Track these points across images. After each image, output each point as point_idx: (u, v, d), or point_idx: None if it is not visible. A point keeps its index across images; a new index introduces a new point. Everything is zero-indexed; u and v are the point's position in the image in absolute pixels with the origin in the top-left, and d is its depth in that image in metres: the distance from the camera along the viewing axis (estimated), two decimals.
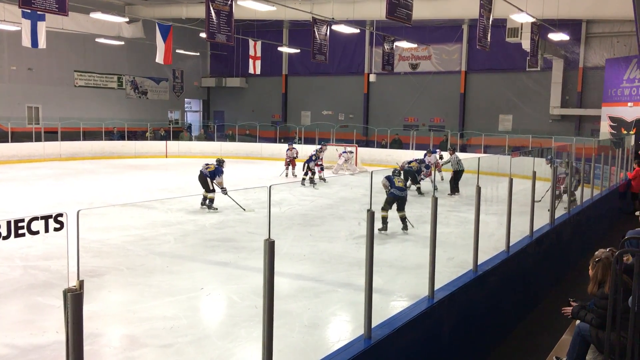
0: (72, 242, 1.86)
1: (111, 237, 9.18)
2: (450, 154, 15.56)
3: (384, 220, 9.95)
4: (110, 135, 25.59)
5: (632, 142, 16.78)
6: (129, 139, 25.48)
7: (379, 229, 9.64)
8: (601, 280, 4.18)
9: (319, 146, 18.54)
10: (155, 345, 5.19)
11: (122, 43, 24.68)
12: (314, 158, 16.51)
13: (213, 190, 11.86)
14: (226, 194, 11.40)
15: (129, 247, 8.83)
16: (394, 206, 10.00)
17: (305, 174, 16.38)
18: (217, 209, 11.82)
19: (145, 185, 16.17)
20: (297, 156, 18.30)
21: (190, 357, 4.98)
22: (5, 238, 1.73)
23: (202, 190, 11.98)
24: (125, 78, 28.23)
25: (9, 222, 1.74)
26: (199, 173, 12.19)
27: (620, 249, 3.72)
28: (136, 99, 28.95)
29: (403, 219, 10.01)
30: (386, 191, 10.02)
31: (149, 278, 7.26)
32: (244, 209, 11.42)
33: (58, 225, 1.82)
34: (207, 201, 11.85)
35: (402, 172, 12.19)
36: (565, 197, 10.02)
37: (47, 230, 1.81)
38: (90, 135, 24.50)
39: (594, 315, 4.12)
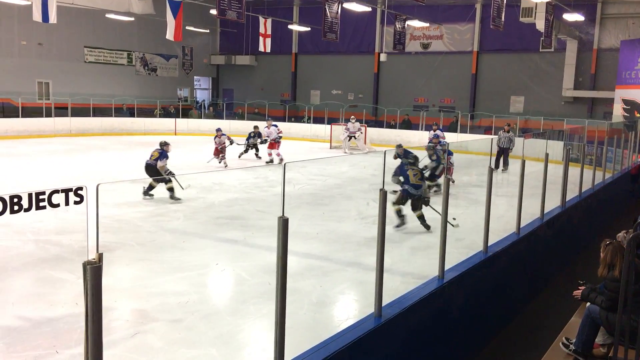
0: (91, 216, 1.87)
1: (122, 213, 9.24)
2: (506, 131, 15.54)
3: (399, 213, 8.68)
4: (119, 111, 25.61)
5: None
6: (138, 115, 25.49)
7: (395, 227, 8.52)
8: (611, 264, 4.17)
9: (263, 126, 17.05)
10: (166, 319, 5.25)
11: (132, 19, 24.53)
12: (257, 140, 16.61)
13: (168, 180, 10.48)
14: (170, 180, 10.38)
15: (139, 223, 8.89)
16: (408, 202, 8.68)
17: (246, 151, 16.69)
18: (180, 199, 10.37)
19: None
20: (229, 143, 15.55)
21: (200, 332, 5.04)
22: (27, 210, 1.75)
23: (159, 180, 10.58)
24: (135, 54, 28.17)
25: (30, 195, 1.75)
26: (144, 165, 10.87)
27: (635, 232, 3.70)
28: (145, 76, 28.92)
29: (420, 218, 8.62)
30: (399, 185, 8.67)
31: (159, 254, 7.32)
32: (182, 188, 10.58)
33: (78, 199, 1.83)
34: (169, 194, 10.44)
35: (416, 159, 10.03)
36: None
37: (67, 203, 1.82)
38: (100, 111, 24.54)
39: (604, 298, 4.12)
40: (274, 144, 16.56)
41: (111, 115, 24.55)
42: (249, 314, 5.46)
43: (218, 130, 15.52)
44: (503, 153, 15.10)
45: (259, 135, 17.03)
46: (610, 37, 22.29)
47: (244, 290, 6.18)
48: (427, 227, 8.50)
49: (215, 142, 15.33)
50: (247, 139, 16.92)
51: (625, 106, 18.78)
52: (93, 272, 1.92)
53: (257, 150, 17.12)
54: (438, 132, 16.73)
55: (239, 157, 16.64)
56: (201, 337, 4.95)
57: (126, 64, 27.97)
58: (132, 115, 25.40)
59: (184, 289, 6.02)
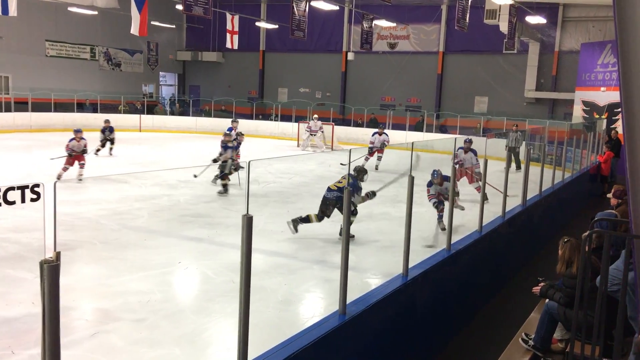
0: (48, 214, 1.83)
1: (84, 210, 9.05)
2: (514, 131, 15.53)
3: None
4: (82, 107, 25.06)
5: (604, 127, 17.11)
6: (102, 111, 25.00)
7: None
8: (569, 261, 4.30)
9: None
10: (128, 319, 5.17)
11: (96, 13, 24.04)
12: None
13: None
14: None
15: (103, 221, 8.73)
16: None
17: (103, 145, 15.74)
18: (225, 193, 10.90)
19: (118, 159, 15.94)
20: (86, 149, 12.45)
21: (163, 331, 4.98)
22: None
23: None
24: (98, 49, 27.59)
25: None
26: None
27: (590, 230, 3.82)
28: (109, 71, 28.35)
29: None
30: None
31: (122, 252, 7.20)
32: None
33: (34, 196, 1.79)
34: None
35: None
36: None
37: (23, 201, 1.78)
38: (62, 106, 23.95)
39: (562, 294, 4.23)
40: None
41: (73, 111, 24.00)
42: (213, 313, 5.42)
43: (76, 130, 12.36)
44: (512, 153, 14.94)
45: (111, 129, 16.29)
46: (571, 40, 22.88)
47: (208, 289, 6.13)
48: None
49: (68, 147, 12.19)
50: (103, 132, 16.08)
51: (584, 107, 19.31)
52: (50, 271, 1.88)
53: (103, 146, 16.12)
54: (384, 135, 15.69)
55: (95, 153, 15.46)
56: (164, 336, 4.89)
57: (89, 59, 27.37)
58: (95, 111, 24.89)
59: (147, 287, 5.94)
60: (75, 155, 12.07)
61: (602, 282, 3.60)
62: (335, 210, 8.01)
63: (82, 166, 12.14)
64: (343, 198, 7.57)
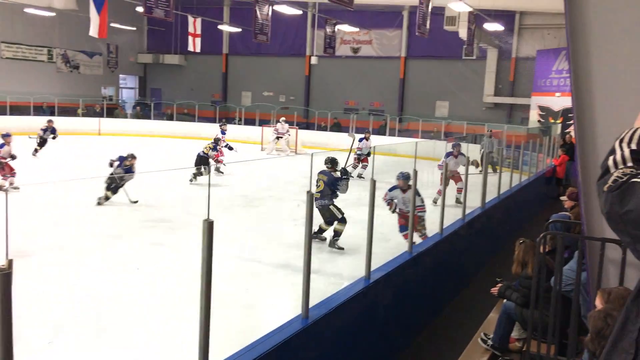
0: (1, 220, 1.79)
1: (40, 216, 8.82)
2: (488, 136, 15.48)
3: (321, 231, 8.23)
4: (39, 110, 24.40)
5: (559, 131, 17.63)
6: (60, 114, 24.39)
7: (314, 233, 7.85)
8: (524, 262, 4.42)
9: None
10: (85, 326, 5.07)
11: (53, 14, 23.45)
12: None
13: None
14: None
15: (61, 226, 8.52)
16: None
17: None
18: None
19: (77, 163, 15.58)
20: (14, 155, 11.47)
21: (122, 337, 4.90)
22: None
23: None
24: (56, 51, 26.92)
25: None
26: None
27: (544, 232, 3.93)
28: (67, 73, 27.68)
29: (335, 233, 8.02)
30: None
31: (79, 258, 7.05)
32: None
33: None
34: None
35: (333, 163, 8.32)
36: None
37: None
38: (18, 110, 23.27)
39: (518, 295, 4.34)
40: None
41: (30, 114, 23.34)
42: (173, 318, 5.36)
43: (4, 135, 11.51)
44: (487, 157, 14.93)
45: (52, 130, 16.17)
46: (527, 47, 23.49)
47: (169, 294, 6.05)
48: (332, 244, 7.94)
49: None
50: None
51: (540, 112, 19.85)
52: (2, 280, 1.83)
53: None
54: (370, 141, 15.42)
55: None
56: (123, 342, 4.81)
57: (46, 61, 26.67)
58: (52, 114, 24.26)
59: (105, 294, 5.83)
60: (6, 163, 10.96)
61: (556, 282, 3.71)
62: (329, 216, 8.07)
63: (13, 174, 10.90)
64: (325, 203, 7.69)
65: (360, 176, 14.33)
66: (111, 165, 10.49)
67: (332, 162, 8.11)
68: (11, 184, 10.77)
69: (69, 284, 6.13)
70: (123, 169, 10.17)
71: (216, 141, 14.44)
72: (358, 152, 15.04)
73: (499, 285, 4.60)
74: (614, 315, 2.39)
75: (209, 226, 2.95)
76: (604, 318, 2.39)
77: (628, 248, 1.49)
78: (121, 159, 10.50)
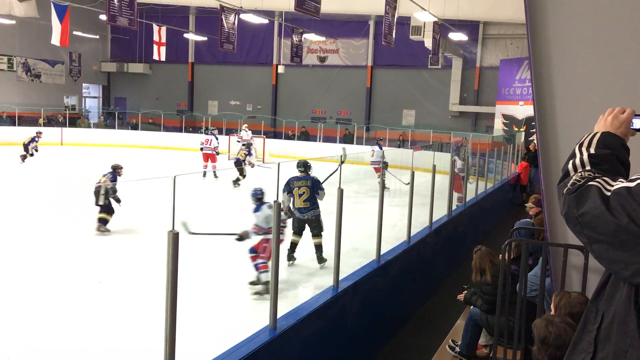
0: None
1: (10, 229, 8.55)
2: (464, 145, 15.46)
3: (292, 246, 7.63)
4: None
5: (522, 139, 18.00)
6: (20, 124, 23.77)
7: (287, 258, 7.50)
8: (481, 269, 4.48)
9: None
10: (45, 340, 4.91)
11: (13, 22, 22.90)
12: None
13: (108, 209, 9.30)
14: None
15: (24, 238, 8.27)
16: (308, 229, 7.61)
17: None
18: (109, 231, 9.24)
19: (39, 173, 15.18)
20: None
21: (85, 350, 4.76)
22: None
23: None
24: (16, 59, 26.24)
25: None
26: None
27: (509, 239, 3.98)
28: (28, 82, 27.00)
29: (318, 247, 7.56)
30: (285, 212, 7.34)
31: (44, 270, 6.84)
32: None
33: None
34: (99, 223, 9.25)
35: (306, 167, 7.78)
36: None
37: None
38: None
39: (483, 302, 4.39)
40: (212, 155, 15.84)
41: None
42: (137, 332, 5.24)
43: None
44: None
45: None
46: (491, 56, 23.98)
47: (133, 307, 5.92)
48: (321, 259, 7.53)
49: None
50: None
51: (504, 121, 20.24)
52: None
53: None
54: (374, 147, 15.59)
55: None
56: (86, 357, 4.68)
57: (6, 70, 25.97)
58: (13, 124, 23.64)
59: (69, 306, 5.66)
60: None
61: (521, 288, 3.76)
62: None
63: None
64: (318, 212, 7.43)
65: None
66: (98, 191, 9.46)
67: (305, 166, 7.68)
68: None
69: (29, 298, 5.94)
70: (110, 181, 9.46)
71: (249, 146, 15.64)
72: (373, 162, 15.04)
73: (465, 291, 4.64)
74: (555, 322, 2.42)
75: (174, 237, 2.89)
76: (545, 326, 2.42)
77: (587, 248, 1.52)
78: (113, 174, 9.84)
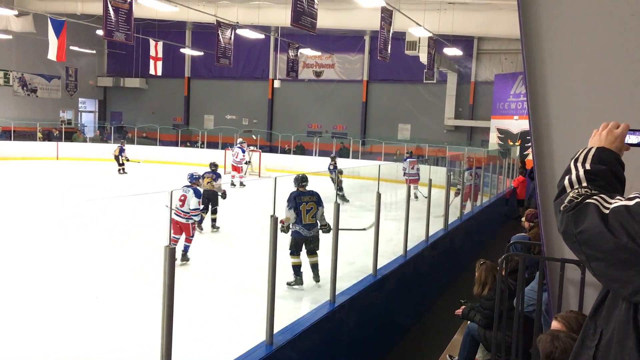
0: None
1: (4, 243, 8.51)
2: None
3: (297, 269, 7.19)
4: None
5: (517, 153, 18.07)
6: (16, 139, 23.73)
7: (288, 283, 7.09)
8: (485, 283, 4.46)
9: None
10: (43, 352, 4.87)
11: (10, 37, 22.97)
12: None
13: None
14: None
15: (22, 249, 8.22)
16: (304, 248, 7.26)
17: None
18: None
19: (37, 187, 15.14)
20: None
21: None
22: None
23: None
24: (12, 74, 26.27)
25: None
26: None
27: (506, 253, 3.98)
28: (24, 97, 27.00)
29: (314, 267, 7.24)
30: (282, 228, 6.87)
31: (42, 282, 6.79)
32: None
33: None
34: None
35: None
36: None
37: None
38: None
39: (481, 317, 4.37)
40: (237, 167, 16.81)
41: None
42: (132, 346, 5.19)
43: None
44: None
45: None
46: (485, 71, 24.14)
47: (128, 321, 5.87)
48: (318, 278, 7.23)
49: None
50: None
51: (499, 135, 20.32)
52: None
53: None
54: (410, 159, 15.71)
55: None
56: None
57: (2, 84, 25.98)
58: (8, 138, 23.61)
59: (65, 320, 5.62)
60: None
61: (518, 303, 3.75)
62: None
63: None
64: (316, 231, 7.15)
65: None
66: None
67: (306, 180, 7.37)
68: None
69: (28, 310, 5.89)
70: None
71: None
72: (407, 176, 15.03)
73: (463, 307, 4.63)
74: (560, 337, 2.42)
75: (170, 252, 2.88)
76: (551, 341, 2.42)
77: (585, 266, 1.52)
78: (216, 173, 10.77)
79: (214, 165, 11.15)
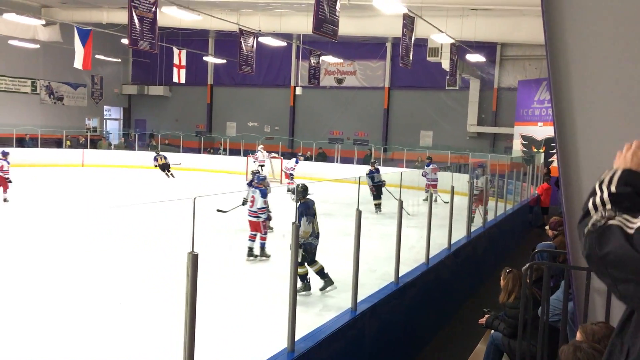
0: None
1: (30, 249, 8.67)
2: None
3: (304, 277, 7.16)
4: (22, 142, 24.20)
5: (542, 160, 17.84)
6: (43, 146, 24.21)
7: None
8: (511, 291, 4.40)
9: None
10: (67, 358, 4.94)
11: (38, 46, 23.48)
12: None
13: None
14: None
15: (44, 256, 8.36)
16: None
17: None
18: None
19: (62, 194, 15.40)
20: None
21: None
22: None
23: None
24: (39, 83, 26.84)
25: None
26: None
27: (531, 262, 3.93)
28: (51, 105, 27.56)
29: (322, 272, 7.27)
30: (304, 240, 6.88)
31: (68, 288, 6.90)
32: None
33: None
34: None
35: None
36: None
37: None
38: (0, 141, 23.07)
39: (505, 325, 4.31)
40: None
41: (13, 146, 23.11)
42: (156, 352, 5.23)
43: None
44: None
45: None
46: (509, 77, 23.92)
47: (151, 327, 5.92)
48: (331, 281, 7.26)
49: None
50: None
51: (523, 141, 20.10)
52: None
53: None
54: (432, 165, 15.90)
55: None
56: None
57: (30, 93, 26.57)
58: (35, 145, 24.09)
59: (91, 325, 5.69)
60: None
61: (543, 312, 3.69)
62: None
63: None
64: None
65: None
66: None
67: (307, 190, 7.40)
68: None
69: (55, 316, 5.98)
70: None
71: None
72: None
73: (487, 315, 4.57)
74: (583, 348, 2.37)
75: (193, 259, 2.90)
76: (573, 352, 2.37)
77: (610, 290, 1.49)
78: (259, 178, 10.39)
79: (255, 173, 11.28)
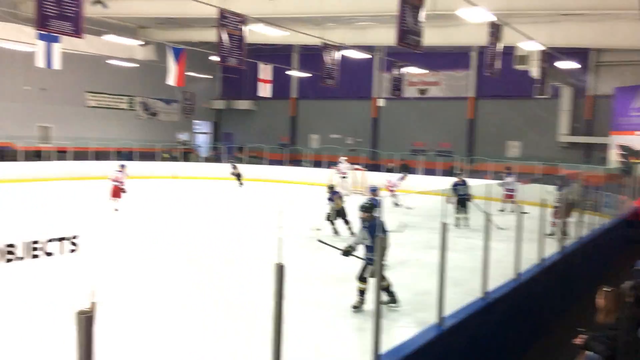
0: (86, 264, 1.87)
1: (117, 259, 9.18)
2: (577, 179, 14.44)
3: (362, 292, 7.19)
4: (119, 155, 25.78)
5: None
6: (138, 159, 25.66)
7: (353, 306, 7.15)
8: (610, 311, 4.14)
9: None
10: None
11: (135, 65, 25.00)
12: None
13: None
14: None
15: (127, 268, 8.82)
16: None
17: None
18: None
19: (154, 206, 16.19)
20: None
21: None
22: (20, 259, 1.74)
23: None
24: (136, 99, 28.55)
25: (26, 244, 1.75)
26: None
27: (633, 280, 3.69)
28: (146, 120, 29.24)
29: (389, 290, 7.17)
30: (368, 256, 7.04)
31: (153, 307, 7.23)
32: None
33: (73, 247, 1.83)
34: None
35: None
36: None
37: (62, 252, 1.81)
38: (101, 155, 24.71)
39: (604, 347, 4.06)
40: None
41: (111, 159, 24.66)
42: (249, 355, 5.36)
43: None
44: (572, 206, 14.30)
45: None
46: (604, 84, 22.67)
47: (238, 340, 6.08)
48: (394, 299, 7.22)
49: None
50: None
51: (621, 152, 18.94)
52: (84, 322, 1.90)
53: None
54: (509, 178, 16.29)
55: None
56: None
57: (127, 108, 28.32)
58: (130, 159, 25.57)
59: (180, 344, 5.92)
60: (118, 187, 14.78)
61: None
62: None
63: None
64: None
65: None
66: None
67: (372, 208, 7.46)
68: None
69: (157, 331, 6.28)
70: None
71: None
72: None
73: (582, 336, 4.32)
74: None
75: (279, 269, 2.96)
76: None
77: None
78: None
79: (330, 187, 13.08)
